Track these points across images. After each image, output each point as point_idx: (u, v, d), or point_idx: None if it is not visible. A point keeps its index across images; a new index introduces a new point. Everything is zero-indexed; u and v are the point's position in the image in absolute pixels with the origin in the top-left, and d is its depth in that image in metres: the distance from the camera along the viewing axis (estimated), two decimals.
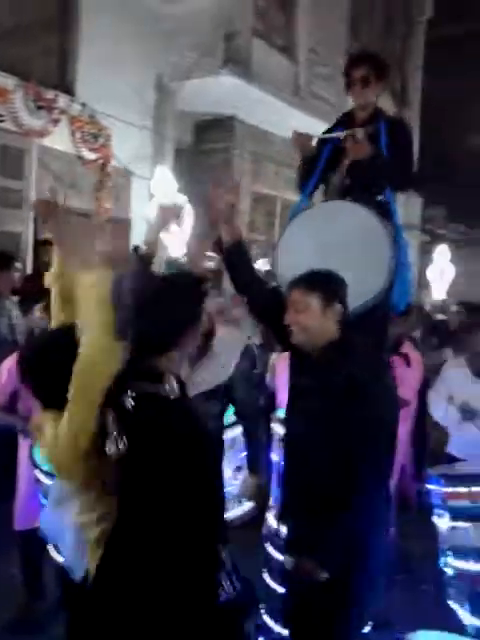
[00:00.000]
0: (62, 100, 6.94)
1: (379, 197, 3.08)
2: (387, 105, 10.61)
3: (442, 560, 2.92)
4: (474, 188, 14.40)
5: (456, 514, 2.84)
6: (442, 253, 12.78)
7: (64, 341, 2.02)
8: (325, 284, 2.41)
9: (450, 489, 2.89)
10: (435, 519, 2.98)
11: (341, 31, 10.84)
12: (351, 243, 2.82)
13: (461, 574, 2.87)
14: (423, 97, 13.91)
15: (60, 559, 2.47)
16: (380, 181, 3.09)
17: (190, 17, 8.09)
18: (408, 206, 13.27)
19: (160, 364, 2.01)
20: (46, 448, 2.08)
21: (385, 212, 3.01)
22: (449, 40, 15.58)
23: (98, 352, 1.94)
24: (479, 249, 15.16)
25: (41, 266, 5.78)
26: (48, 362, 2.04)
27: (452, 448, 4.03)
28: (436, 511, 2.98)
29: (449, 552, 2.88)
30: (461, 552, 2.83)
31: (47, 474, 2.89)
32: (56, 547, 2.62)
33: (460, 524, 2.86)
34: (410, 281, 3.13)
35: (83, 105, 7.15)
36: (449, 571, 2.90)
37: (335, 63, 10.55)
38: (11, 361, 3.71)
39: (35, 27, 6.99)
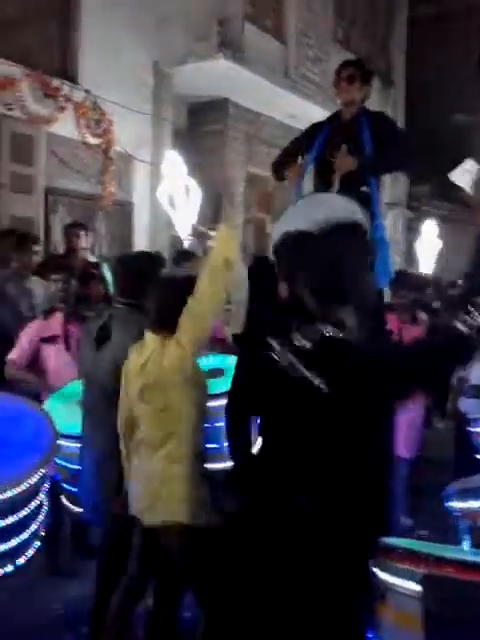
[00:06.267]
0: (66, 88, 7.18)
1: (363, 188, 3.57)
2: (374, 86, 10.88)
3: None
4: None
5: None
6: (429, 228, 13.10)
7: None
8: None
9: None
10: None
11: (328, 14, 11.11)
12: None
13: None
14: (407, 76, 14.17)
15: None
16: (366, 177, 3.59)
17: (184, 3, 8.33)
18: (395, 185, 13.62)
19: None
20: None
21: (365, 200, 3.45)
22: (431, 19, 15.83)
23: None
24: (461, 225, 15.52)
25: (70, 247, 6.20)
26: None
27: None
28: None
29: None
30: None
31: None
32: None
33: None
34: (389, 259, 3.65)
35: (87, 92, 7.39)
36: None
37: (323, 45, 10.88)
38: (30, 329, 4.21)
39: (38, 17, 7.20)
